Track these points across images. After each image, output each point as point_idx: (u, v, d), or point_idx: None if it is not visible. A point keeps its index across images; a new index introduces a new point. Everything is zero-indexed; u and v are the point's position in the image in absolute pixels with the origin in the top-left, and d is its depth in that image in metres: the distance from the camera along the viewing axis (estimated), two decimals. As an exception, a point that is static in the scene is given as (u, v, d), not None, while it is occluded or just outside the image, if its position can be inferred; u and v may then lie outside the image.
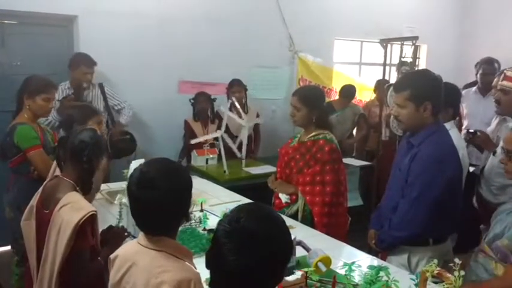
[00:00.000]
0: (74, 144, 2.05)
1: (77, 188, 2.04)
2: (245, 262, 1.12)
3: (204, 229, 2.47)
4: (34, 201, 2.15)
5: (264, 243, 1.14)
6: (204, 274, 1.93)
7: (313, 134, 2.77)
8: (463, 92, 4.21)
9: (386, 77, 4.79)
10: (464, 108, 4.17)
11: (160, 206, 1.45)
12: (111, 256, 1.62)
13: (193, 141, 4.04)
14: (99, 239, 2.09)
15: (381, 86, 5.42)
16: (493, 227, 1.97)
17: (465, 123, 4.18)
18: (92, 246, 1.96)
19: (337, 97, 5.49)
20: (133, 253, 1.52)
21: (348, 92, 5.18)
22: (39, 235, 2.06)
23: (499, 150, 2.66)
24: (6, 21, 4.03)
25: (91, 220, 1.92)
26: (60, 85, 3.89)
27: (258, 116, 4.79)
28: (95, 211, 1.94)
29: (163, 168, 1.51)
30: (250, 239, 1.13)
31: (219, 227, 1.19)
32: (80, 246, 1.89)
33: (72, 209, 1.91)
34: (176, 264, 1.45)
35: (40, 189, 2.15)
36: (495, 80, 2.99)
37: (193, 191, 3.19)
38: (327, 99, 5.82)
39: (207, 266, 1.21)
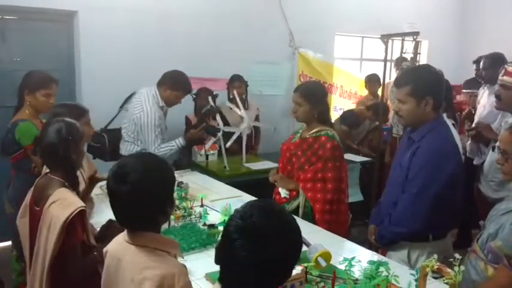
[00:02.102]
0: (45, 147, 2.04)
1: (66, 184, 2.02)
2: (256, 258, 1.12)
3: (204, 224, 2.47)
4: (27, 199, 2.15)
5: (275, 241, 1.14)
6: (204, 269, 1.96)
7: (315, 130, 2.76)
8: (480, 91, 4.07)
9: (387, 73, 4.77)
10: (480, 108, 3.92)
11: (132, 201, 1.44)
12: (104, 250, 1.63)
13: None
14: (94, 233, 2.10)
15: (371, 82, 5.46)
16: (487, 227, 1.96)
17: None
18: (82, 242, 1.95)
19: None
20: (120, 249, 1.52)
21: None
22: (32, 232, 2.06)
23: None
24: (6, 17, 4.03)
25: (80, 216, 1.91)
26: (153, 104, 3.53)
27: (258, 111, 4.78)
28: (84, 207, 1.94)
29: (139, 163, 1.48)
30: (261, 236, 1.14)
31: (230, 222, 1.19)
32: (70, 242, 1.89)
33: (61, 205, 1.91)
34: (159, 259, 1.44)
35: (32, 187, 2.15)
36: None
37: (194, 186, 3.24)
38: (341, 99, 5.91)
39: (217, 261, 1.21)
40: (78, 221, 1.90)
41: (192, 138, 3.77)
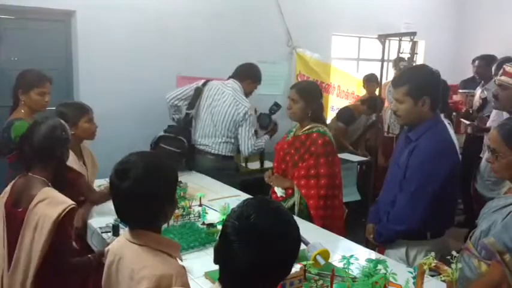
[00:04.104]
0: (41, 144, 1.98)
1: (49, 184, 1.99)
2: (255, 259, 1.10)
3: (203, 223, 2.48)
4: (1, 203, 2.05)
5: (276, 241, 1.12)
6: (204, 268, 1.96)
7: (307, 127, 2.80)
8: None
9: (384, 73, 4.79)
10: None
11: (131, 198, 1.45)
12: (105, 249, 1.64)
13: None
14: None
15: (370, 81, 5.48)
16: (479, 224, 1.99)
17: None
18: (71, 241, 1.96)
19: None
20: (121, 247, 1.53)
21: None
22: (11, 236, 1.98)
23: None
24: (3, 16, 4.01)
25: (71, 214, 1.91)
26: (246, 100, 3.65)
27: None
28: (75, 205, 1.93)
29: (142, 160, 1.49)
30: (261, 237, 1.11)
31: (227, 223, 1.15)
32: (61, 240, 1.88)
33: (50, 204, 1.88)
34: (158, 259, 1.44)
35: (7, 190, 2.07)
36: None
37: (192, 185, 3.23)
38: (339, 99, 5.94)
39: (216, 261, 1.19)
40: (68, 219, 1.90)
41: (273, 134, 3.89)
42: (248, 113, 3.58)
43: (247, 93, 3.73)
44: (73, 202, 1.92)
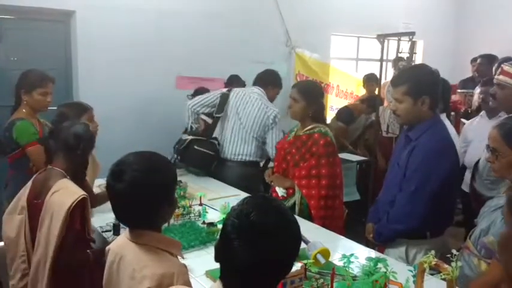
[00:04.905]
0: (68, 137, 2.09)
1: (67, 176, 2.07)
2: (256, 257, 1.10)
3: (204, 222, 2.49)
4: (21, 194, 2.19)
5: (275, 238, 1.11)
6: (204, 266, 1.97)
7: (308, 127, 2.81)
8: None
9: (383, 73, 4.79)
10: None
11: (127, 199, 1.44)
12: (106, 248, 1.64)
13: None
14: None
15: (370, 81, 5.49)
16: (479, 223, 2.00)
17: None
18: (78, 232, 1.97)
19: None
20: (121, 247, 1.53)
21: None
22: (34, 226, 2.07)
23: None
24: (3, 16, 4.02)
25: (82, 204, 1.95)
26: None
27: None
28: (86, 195, 1.98)
29: (139, 162, 1.47)
30: (261, 235, 1.10)
31: (227, 222, 1.15)
32: (67, 229, 1.92)
33: (63, 194, 1.96)
34: (158, 258, 1.44)
35: (29, 184, 2.18)
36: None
37: (192, 185, 3.23)
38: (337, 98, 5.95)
39: (216, 259, 1.19)
40: (78, 209, 1.94)
41: None
42: (278, 116, 3.57)
43: (270, 99, 3.74)
44: (84, 193, 1.99)
